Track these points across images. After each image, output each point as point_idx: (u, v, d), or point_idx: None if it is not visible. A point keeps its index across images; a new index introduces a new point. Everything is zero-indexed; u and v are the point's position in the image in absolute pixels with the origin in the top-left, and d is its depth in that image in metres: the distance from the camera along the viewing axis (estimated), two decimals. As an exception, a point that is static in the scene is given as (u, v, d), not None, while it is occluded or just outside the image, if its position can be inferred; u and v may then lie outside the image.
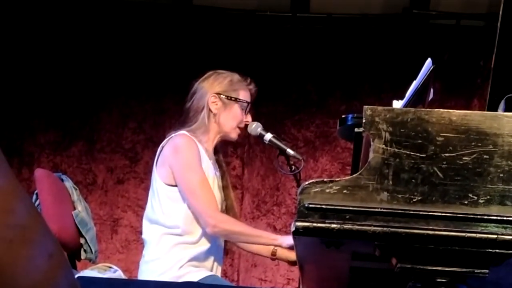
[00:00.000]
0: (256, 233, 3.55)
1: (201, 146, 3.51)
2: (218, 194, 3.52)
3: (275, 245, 3.50)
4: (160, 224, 3.46)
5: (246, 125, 3.62)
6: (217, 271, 3.54)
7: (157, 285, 3.23)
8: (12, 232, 0.73)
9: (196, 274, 3.38)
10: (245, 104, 3.60)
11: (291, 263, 3.59)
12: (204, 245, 3.46)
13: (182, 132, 3.52)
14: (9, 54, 5.61)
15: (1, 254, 0.72)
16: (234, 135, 3.61)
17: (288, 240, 3.34)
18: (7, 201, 0.73)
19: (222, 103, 3.57)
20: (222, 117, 3.56)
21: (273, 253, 3.59)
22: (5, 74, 5.61)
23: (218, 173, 3.60)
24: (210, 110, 3.55)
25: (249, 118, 3.62)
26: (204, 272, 3.41)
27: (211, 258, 3.50)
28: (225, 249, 3.65)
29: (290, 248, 3.32)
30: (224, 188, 3.61)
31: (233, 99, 3.58)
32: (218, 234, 3.45)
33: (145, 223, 3.55)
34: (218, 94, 3.57)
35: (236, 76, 3.64)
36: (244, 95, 3.62)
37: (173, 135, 3.53)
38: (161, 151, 3.54)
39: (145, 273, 3.47)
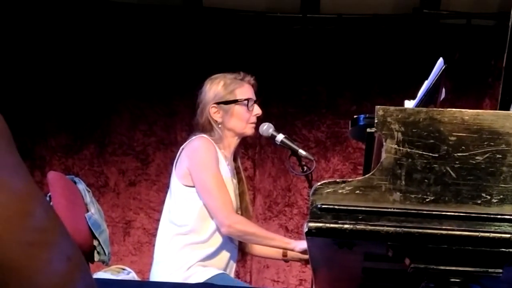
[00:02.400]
0: (270, 235, 3.55)
1: (220, 152, 3.52)
2: (233, 200, 3.52)
3: (288, 249, 3.51)
4: (173, 223, 3.49)
5: (259, 119, 3.61)
6: (231, 269, 3.55)
7: (170, 287, 3.24)
8: (31, 235, 0.73)
9: (203, 274, 3.39)
10: (246, 101, 3.58)
11: (304, 261, 3.59)
12: (214, 245, 3.47)
13: (203, 135, 3.53)
14: (21, 57, 5.62)
15: (20, 257, 0.72)
16: (249, 131, 3.61)
17: (302, 244, 3.34)
18: (26, 204, 0.74)
19: (223, 110, 3.56)
20: (228, 123, 3.56)
21: (284, 254, 3.60)
22: (16, 77, 5.62)
23: (235, 180, 3.60)
24: (215, 121, 3.55)
25: (256, 110, 3.61)
26: (212, 271, 3.42)
27: (223, 257, 3.51)
28: (240, 251, 3.66)
29: (303, 252, 3.33)
30: (240, 193, 3.62)
31: (232, 102, 3.57)
32: (232, 234, 3.46)
33: (162, 223, 3.58)
34: (217, 103, 3.56)
35: (228, 77, 3.62)
36: (242, 92, 3.60)
37: (193, 137, 3.54)
38: (180, 152, 3.55)
39: (155, 274, 3.50)
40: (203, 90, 3.61)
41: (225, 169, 3.52)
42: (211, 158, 3.44)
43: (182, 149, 3.56)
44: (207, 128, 3.56)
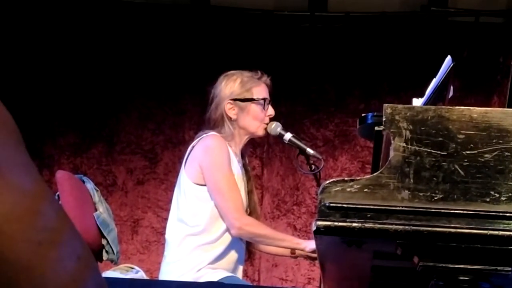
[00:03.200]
0: (280, 236, 3.56)
1: (231, 150, 3.51)
2: (244, 198, 3.52)
3: (299, 249, 3.52)
4: (184, 223, 3.48)
5: (270, 119, 3.60)
6: (239, 271, 3.55)
7: (179, 285, 3.24)
8: (40, 234, 0.73)
9: (213, 276, 3.40)
10: (262, 101, 3.58)
11: (311, 259, 3.59)
12: (223, 244, 3.47)
13: (213, 133, 3.51)
14: (29, 57, 5.64)
15: (30, 256, 0.73)
16: (260, 132, 3.60)
17: (312, 244, 3.35)
18: (35, 203, 0.74)
19: (239, 108, 3.54)
20: (243, 120, 3.55)
21: (292, 252, 3.60)
22: (25, 76, 5.64)
23: (245, 178, 3.60)
24: (229, 118, 3.54)
25: (270, 110, 3.60)
26: (222, 273, 3.42)
27: (232, 258, 3.51)
28: (248, 250, 3.66)
29: (313, 252, 3.34)
30: (248, 192, 3.62)
31: (248, 100, 3.56)
32: (242, 236, 3.46)
33: (169, 222, 3.57)
34: (233, 99, 3.55)
35: (245, 75, 3.60)
36: (259, 91, 3.59)
37: (204, 135, 3.52)
38: (191, 150, 3.53)
39: (165, 274, 3.49)
40: (218, 86, 3.59)
41: (237, 166, 3.52)
42: (224, 158, 3.43)
43: (193, 146, 3.54)
44: (219, 124, 3.55)
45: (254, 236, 3.47)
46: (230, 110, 3.55)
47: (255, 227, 3.45)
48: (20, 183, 0.73)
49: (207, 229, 3.45)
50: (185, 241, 3.46)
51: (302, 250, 3.49)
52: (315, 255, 3.26)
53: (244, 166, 3.65)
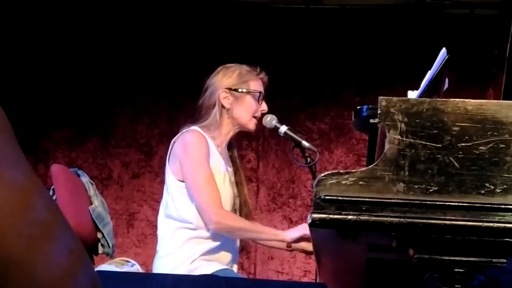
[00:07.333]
0: (258, 229, 3.54)
1: (213, 142, 3.50)
2: (229, 190, 3.51)
3: (279, 240, 3.50)
4: (173, 219, 3.47)
5: (263, 114, 3.61)
6: (233, 264, 3.54)
7: (174, 279, 3.24)
8: (32, 228, 0.73)
9: (207, 268, 3.39)
10: (257, 94, 3.58)
11: (307, 253, 3.59)
12: (218, 239, 3.46)
13: (193, 128, 3.51)
14: (24, 51, 5.63)
15: (21, 250, 0.72)
16: (251, 126, 3.60)
17: (291, 234, 3.38)
18: (27, 197, 0.74)
19: (234, 97, 3.55)
20: (235, 111, 3.55)
21: (288, 245, 3.59)
22: (19, 71, 5.63)
23: (230, 169, 3.58)
24: (222, 106, 3.54)
25: (263, 106, 3.60)
26: (217, 266, 3.42)
27: (225, 252, 3.50)
28: (241, 244, 3.65)
29: (295, 241, 3.37)
30: (237, 184, 3.60)
31: (244, 91, 3.56)
32: (221, 230, 3.42)
33: (160, 218, 3.56)
34: (229, 88, 3.55)
35: (244, 68, 3.62)
36: (255, 85, 3.60)
37: (184, 131, 3.52)
38: (172, 146, 3.54)
39: (158, 268, 3.48)
40: (215, 75, 3.60)
41: (218, 159, 3.50)
42: (201, 153, 3.42)
43: (174, 142, 3.54)
44: (210, 112, 3.55)
45: (232, 229, 3.45)
46: (224, 99, 3.55)
47: (233, 221, 3.44)
48: (11, 177, 0.73)
49: (200, 226, 3.44)
50: (177, 233, 3.46)
51: (282, 241, 3.48)
52: (311, 249, 3.25)
53: (232, 157, 3.63)
